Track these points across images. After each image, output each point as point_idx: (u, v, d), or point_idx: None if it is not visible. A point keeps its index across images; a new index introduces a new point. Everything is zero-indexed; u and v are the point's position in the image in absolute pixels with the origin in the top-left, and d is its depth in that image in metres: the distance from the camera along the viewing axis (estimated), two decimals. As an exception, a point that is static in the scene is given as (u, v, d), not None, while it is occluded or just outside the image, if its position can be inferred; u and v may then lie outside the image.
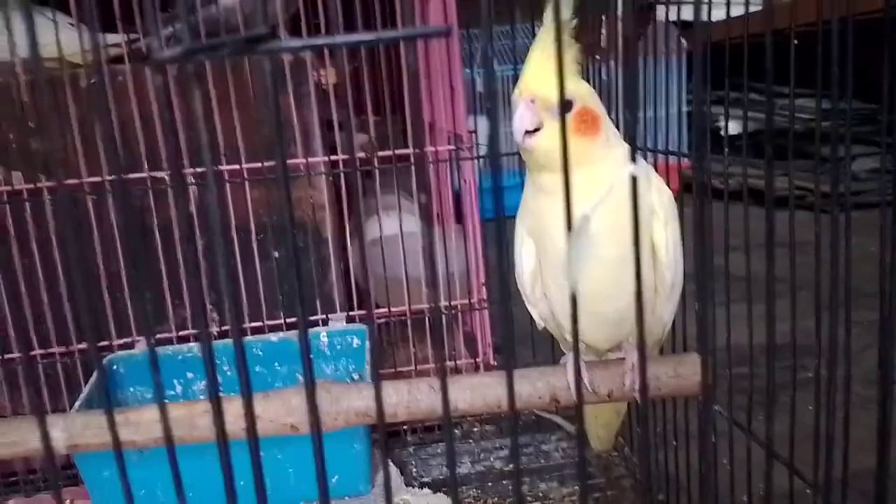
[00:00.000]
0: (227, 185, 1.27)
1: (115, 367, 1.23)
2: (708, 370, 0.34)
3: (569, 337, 0.78)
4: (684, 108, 2.81)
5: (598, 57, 1.10)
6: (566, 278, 0.65)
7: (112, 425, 0.35)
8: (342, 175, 1.37)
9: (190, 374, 1.26)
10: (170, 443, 0.35)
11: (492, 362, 1.42)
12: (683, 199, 0.78)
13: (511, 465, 1.23)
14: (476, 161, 1.37)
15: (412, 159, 1.35)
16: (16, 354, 1.20)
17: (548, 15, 0.63)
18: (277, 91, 0.30)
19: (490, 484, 1.18)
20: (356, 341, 1.29)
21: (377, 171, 1.39)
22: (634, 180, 0.33)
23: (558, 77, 0.35)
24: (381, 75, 1.44)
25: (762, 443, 0.74)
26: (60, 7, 1.21)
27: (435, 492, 1.15)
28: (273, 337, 1.28)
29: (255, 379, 1.24)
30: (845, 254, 0.63)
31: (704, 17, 0.77)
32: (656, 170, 0.83)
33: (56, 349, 1.26)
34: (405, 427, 1.33)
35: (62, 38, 1.14)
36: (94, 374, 1.13)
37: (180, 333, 1.30)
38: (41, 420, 0.36)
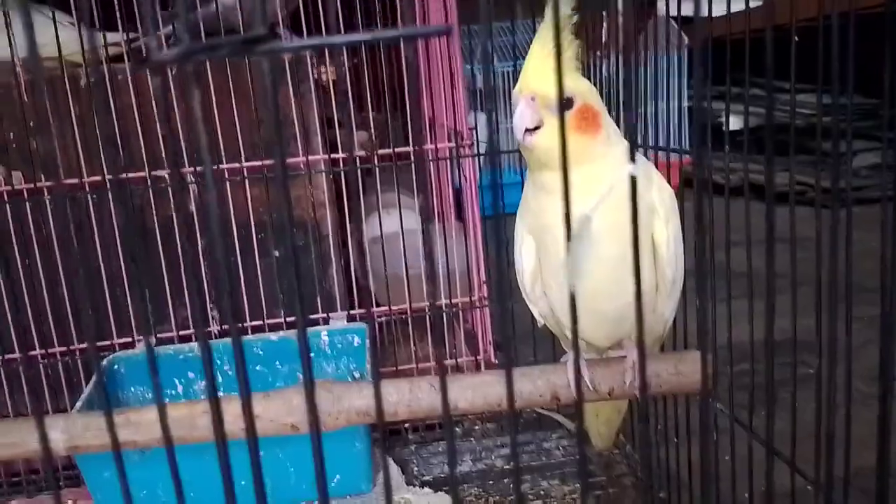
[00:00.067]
0: (228, 184, 1.27)
1: (116, 366, 1.22)
2: (707, 367, 0.34)
3: (569, 335, 0.78)
4: (685, 104, 2.80)
5: (599, 53, 1.10)
6: (566, 278, 0.65)
7: (111, 427, 0.35)
8: (342, 173, 1.36)
9: (191, 374, 1.26)
10: (169, 444, 0.35)
11: (493, 360, 1.42)
12: (684, 194, 0.78)
13: (512, 463, 1.22)
14: (476, 158, 1.37)
15: (412, 157, 1.34)
16: (17, 355, 1.20)
17: (548, 11, 0.63)
18: (276, 91, 0.29)
19: (491, 482, 1.18)
20: (357, 340, 1.29)
21: (377, 169, 1.39)
22: (633, 180, 0.32)
23: (557, 74, 0.35)
24: (382, 71, 1.44)
25: (763, 440, 0.73)
26: (60, 5, 1.20)
27: (436, 491, 1.15)
28: (273, 336, 1.28)
29: (255, 378, 1.24)
30: (846, 249, 0.63)
31: (705, 12, 0.76)
32: (657, 166, 0.82)
33: (57, 349, 1.26)
34: (406, 425, 1.33)
35: (62, 37, 1.14)
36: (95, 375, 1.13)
37: (181, 333, 1.30)
38: (39, 422, 0.36)
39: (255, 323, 1.31)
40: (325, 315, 1.33)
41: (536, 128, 0.64)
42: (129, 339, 1.29)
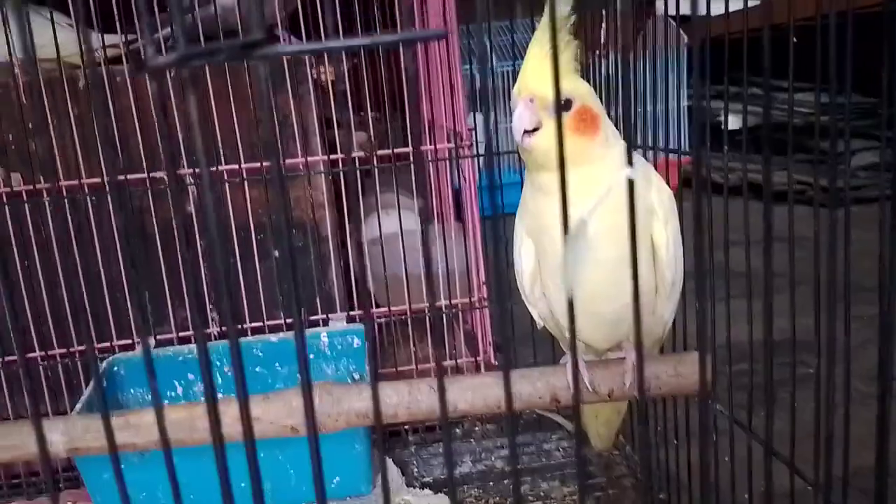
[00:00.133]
0: (227, 185, 1.27)
1: (115, 368, 1.22)
2: (706, 370, 0.34)
3: (568, 336, 0.77)
4: (684, 103, 2.80)
5: (598, 53, 1.10)
6: (563, 281, 0.65)
7: (108, 430, 0.35)
8: (341, 174, 1.36)
9: (191, 376, 1.26)
10: (167, 447, 0.35)
11: (493, 361, 1.42)
12: (683, 194, 0.78)
13: (512, 465, 1.22)
14: (476, 159, 1.36)
15: (411, 158, 1.34)
16: (16, 357, 1.20)
17: (546, 11, 0.63)
18: (274, 95, 0.29)
19: (491, 483, 1.18)
20: (357, 341, 1.28)
21: (376, 170, 1.39)
22: (631, 184, 0.32)
23: (554, 76, 0.35)
24: (381, 72, 1.44)
25: (762, 441, 0.73)
26: (58, 6, 1.20)
27: (436, 492, 1.14)
28: (273, 337, 1.27)
29: (255, 380, 1.24)
30: (844, 249, 0.63)
31: (703, 11, 0.76)
32: (655, 167, 0.82)
33: (56, 350, 1.26)
34: (406, 427, 1.33)
35: (60, 38, 1.14)
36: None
37: (181, 334, 1.30)
38: (38, 426, 0.36)
39: (254, 324, 1.31)
40: (324, 316, 1.33)
41: (535, 129, 0.64)
42: (129, 341, 1.28)
